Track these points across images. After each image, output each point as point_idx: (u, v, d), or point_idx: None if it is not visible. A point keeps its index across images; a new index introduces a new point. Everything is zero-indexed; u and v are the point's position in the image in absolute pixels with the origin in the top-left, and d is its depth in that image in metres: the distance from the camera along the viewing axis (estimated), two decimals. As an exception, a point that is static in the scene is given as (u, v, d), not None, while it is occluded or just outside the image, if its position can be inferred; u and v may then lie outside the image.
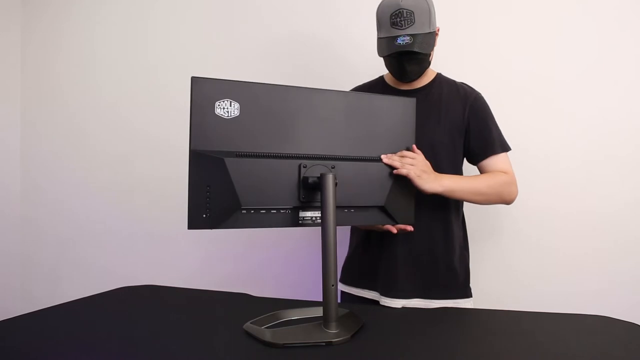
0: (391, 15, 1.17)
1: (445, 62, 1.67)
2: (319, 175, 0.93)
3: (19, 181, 2.39)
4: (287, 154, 0.97)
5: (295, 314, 1.03)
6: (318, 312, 0.95)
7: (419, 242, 1.24)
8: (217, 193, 0.90)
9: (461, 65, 1.67)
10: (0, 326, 0.96)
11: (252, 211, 0.94)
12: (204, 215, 0.89)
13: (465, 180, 1.20)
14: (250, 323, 0.94)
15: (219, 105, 0.90)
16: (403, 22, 1.16)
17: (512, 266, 1.63)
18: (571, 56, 1.59)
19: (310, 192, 0.97)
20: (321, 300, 0.90)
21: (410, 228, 1.15)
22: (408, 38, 1.16)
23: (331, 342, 0.85)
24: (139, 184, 2.15)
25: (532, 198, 1.61)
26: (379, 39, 1.23)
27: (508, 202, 1.27)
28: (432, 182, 1.08)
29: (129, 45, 2.19)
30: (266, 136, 0.95)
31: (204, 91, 0.89)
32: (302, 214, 0.98)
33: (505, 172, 1.25)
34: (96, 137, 2.24)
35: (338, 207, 1.00)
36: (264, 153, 0.95)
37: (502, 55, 1.65)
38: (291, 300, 1.18)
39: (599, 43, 1.57)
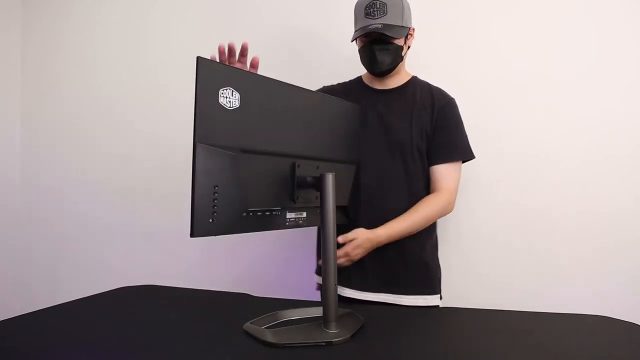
0: (365, 7, 1.24)
1: (446, 61, 1.67)
2: (318, 175, 0.92)
3: (19, 181, 2.39)
4: (281, 152, 0.94)
5: (295, 314, 1.02)
6: (318, 312, 0.95)
7: None
8: (226, 194, 0.82)
9: (461, 65, 1.67)
10: (0, 326, 0.96)
11: (259, 213, 0.89)
12: (211, 221, 0.80)
13: (402, 225, 1.24)
14: (250, 323, 0.93)
15: (222, 93, 0.81)
16: (376, 12, 1.22)
17: (512, 266, 1.63)
18: (571, 56, 1.59)
19: (303, 191, 0.96)
20: (321, 300, 0.90)
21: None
22: (380, 26, 1.22)
23: (331, 342, 0.85)
24: (139, 183, 2.15)
25: (532, 198, 1.61)
26: (354, 31, 1.28)
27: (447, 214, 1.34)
28: (369, 249, 1.21)
29: (129, 45, 2.19)
30: (262, 132, 0.90)
31: (209, 75, 0.79)
32: (288, 215, 0.97)
33: (441, 190, 1.28)
34: (96, 137, 2.24)
35: (314, 207, 1.01)
36: (263, 150, 0.90)
37: (502, 55, 1.65)
38: (291, 300, 1.18)
39: (599, 43, 1.57)
